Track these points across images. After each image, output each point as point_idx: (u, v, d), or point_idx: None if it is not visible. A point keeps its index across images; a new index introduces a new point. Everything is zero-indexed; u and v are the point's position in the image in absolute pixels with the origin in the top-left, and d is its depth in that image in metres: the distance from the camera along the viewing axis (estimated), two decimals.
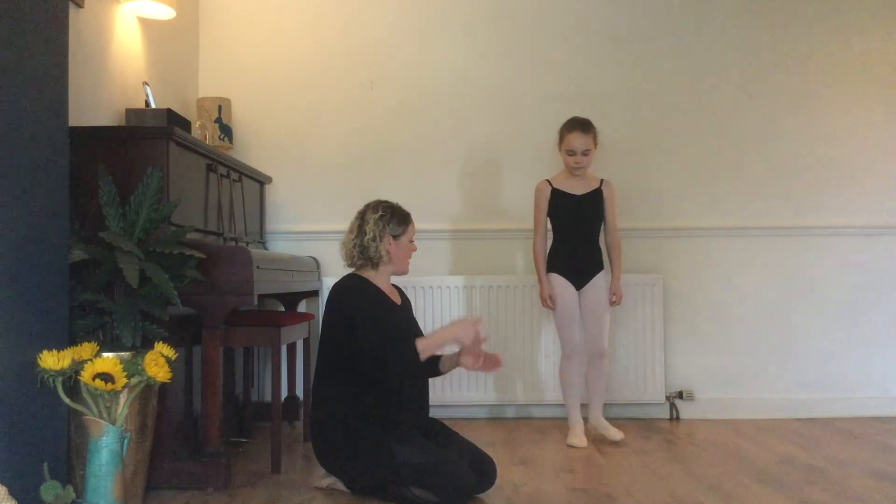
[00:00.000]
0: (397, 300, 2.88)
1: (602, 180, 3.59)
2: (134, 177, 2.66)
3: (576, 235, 3.55)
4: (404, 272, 2.88)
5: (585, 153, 3.48)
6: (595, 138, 3.52)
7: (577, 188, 3.55)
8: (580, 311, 3.52)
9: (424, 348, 2.62)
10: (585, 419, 3.57)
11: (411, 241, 2.85)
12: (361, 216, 2.83)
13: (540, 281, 3.56)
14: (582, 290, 3.53)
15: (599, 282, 3.54)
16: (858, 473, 2.95)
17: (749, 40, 4.21)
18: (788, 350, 4.15)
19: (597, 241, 3.59)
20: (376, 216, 2.79)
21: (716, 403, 4.11)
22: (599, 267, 3.56)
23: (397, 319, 2.79)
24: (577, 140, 3.47)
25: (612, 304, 3.56)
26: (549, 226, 3.62)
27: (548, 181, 3.59)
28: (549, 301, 3.52)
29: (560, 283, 3.52)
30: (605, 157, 3.88)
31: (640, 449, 3.39)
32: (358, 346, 2.61)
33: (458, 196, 4.18)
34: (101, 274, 2.48)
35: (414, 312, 3.03)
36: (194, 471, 2.73)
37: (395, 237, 2.80)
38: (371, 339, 2.61)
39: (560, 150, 3.55)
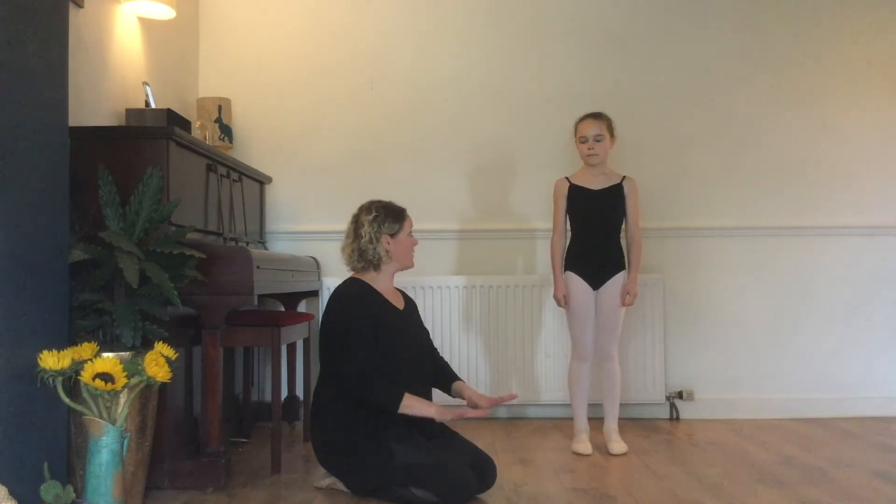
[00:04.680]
0: (400, 304, 2.86)
1: (624, 177, 3.44)
2: (134, 177, 2.66)
3: (593, 232, 3.41)
4: (409, 266, 2.88)
5: (598, 138, 3.35)
6: (610, 128, 3.40)
7: (595, 183, 3.41)
8: (595, 311, 3.40)
9: (407, 405, 2.57)
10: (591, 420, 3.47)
11: (410, 235, 2.84)
12: (356, 220, 2.81)
13: (555, 280, 3.45)
14: (599, 290, 3.38)
15: (618, 282, 3.37)
16: (858, 473, 2.95)
17: (751, 40, 4.20)
18: (788, 350, 4.15)
19: (616, 239, 3.43)
20: (370, 218, 2.77)
21: (716, 403, 4.10)
22: (619, 266, 3.39)
23: (398, 326, 2.77)
24: (589, 126, 3.37)
25: (625, 303, 3.37)
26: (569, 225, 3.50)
27: (566, 178, 3.47)
28: (562, 301, 3.41)
29: (575, 283, 3.38)
30: None
31: (640, 449, 3.39)
32: (344, 362, 2.61)
33: (458, 196, 4.18)
34: (101, 274, 2.48)
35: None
36: (194, 471, 2.73)
37: (393, 235, 2.79)
38: (357, 364, 2.59)
39: (576, 143, 3.44)
